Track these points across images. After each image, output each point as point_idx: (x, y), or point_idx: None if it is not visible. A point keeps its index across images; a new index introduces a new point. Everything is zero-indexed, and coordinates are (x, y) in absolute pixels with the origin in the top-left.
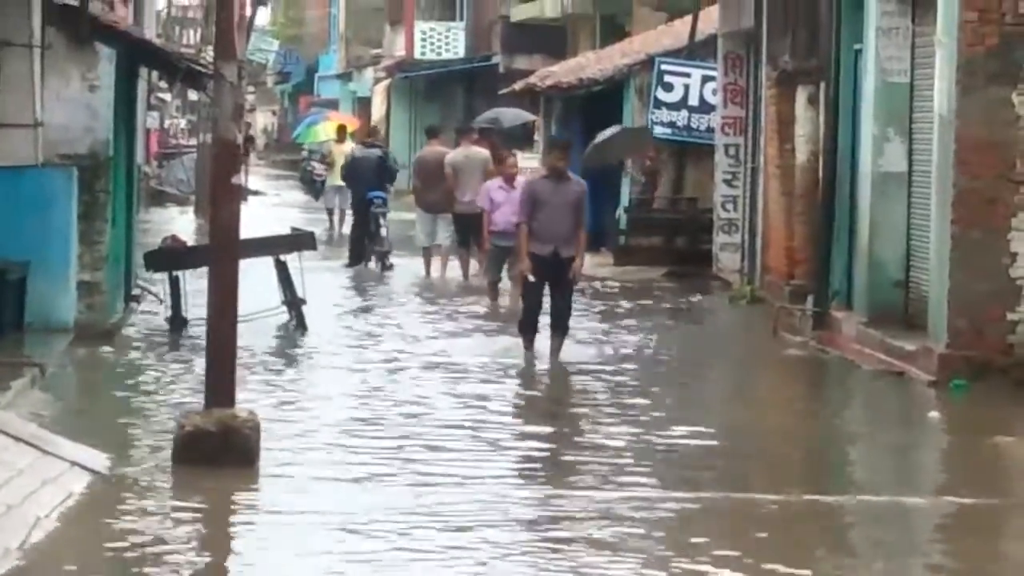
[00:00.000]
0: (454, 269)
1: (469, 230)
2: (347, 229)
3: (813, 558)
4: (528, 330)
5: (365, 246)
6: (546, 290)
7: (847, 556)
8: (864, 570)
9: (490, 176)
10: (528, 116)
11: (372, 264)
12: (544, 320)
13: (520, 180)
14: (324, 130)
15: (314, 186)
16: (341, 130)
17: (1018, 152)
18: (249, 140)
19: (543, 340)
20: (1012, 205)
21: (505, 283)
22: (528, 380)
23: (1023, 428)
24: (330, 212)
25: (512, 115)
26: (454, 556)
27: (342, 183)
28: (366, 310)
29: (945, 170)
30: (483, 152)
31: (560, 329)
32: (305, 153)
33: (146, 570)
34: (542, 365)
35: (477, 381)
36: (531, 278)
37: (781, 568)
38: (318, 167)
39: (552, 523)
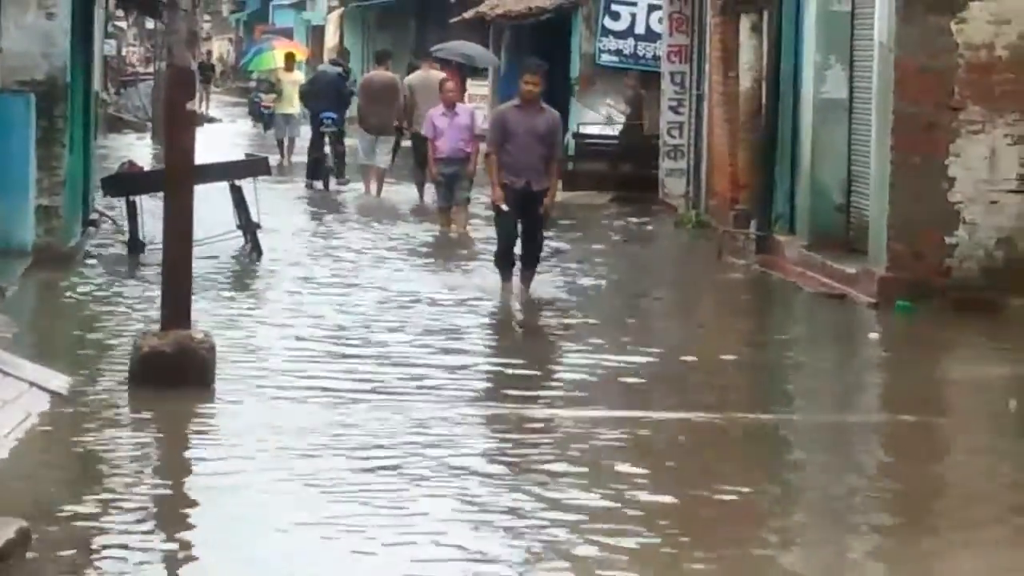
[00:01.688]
0: (400, 192)
1: (426, 153)
2: (296, 157)
3: (754, 477)
4: (505, 264)
5: (318, 165)
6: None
7: (789, 472)
8: (807, 487)
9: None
10: (496, 60)
11: (323, 183)
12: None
13: (465, 106)
14: (273, 58)
15: (263, 117)
16: (289, 58)
17: (956, 79)
18: (210, 68)
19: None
20: (950, 131)
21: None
22: (501, 312)
23: (962, 348)
24: (280, 142)
25: (485, 56)
26: (397, 464)
27: (290, 111)
28: (317, 233)
29: (885, 97)
30: (441, 75)
31: (531, 263)
32: (253, 83)
33: (103, 485)
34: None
35: (427, 301)
36: (504, 207)
37: (725, 487)
38: (265, 98)
39: (501, 440)
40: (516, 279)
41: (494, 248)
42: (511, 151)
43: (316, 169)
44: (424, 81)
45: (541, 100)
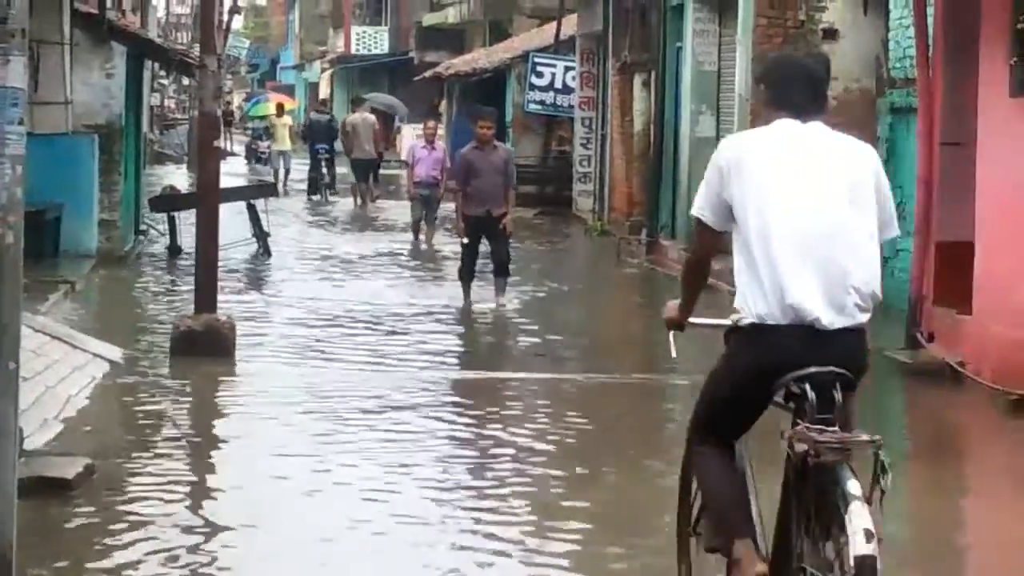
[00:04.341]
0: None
1: (365, 171)
2: (292, 184)
3: (636, 419)
4: (465, 279)
5: (316, 183)
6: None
7: (668, 421)
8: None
9: (377, 136)
10: (404, 110)
11: (320, 196)
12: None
13: (440, 144)
14: (268, 107)
15: (259, 159)
16: (280, 107)
17: None
18: (231, 115)
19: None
20: None
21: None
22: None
23: None
24: (276, 172)
25: (397, 106)
26: (383, 416)
27: (284, 148)
28: (316, 239)
29: None
30: (372, 117)
31: (502, 272)
32: (251, 132)
33: (150, 432)
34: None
35: (408, 280)
36: (465, 240)
37: (623, 431)
38: (262, 145)
39: (439, 402)
40: (472, 290)
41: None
42: (476, 186)
43: (314, 186)
44: (361, 120)
45: (494, 140)
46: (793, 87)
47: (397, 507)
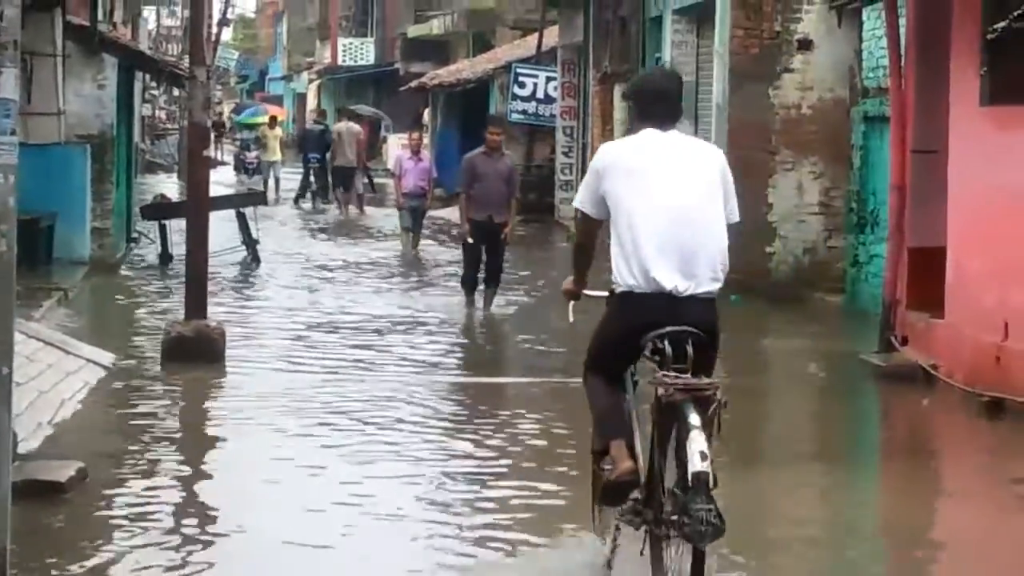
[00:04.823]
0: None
1: (346, 179)
2: (283, 194)
3: None
4: (468, 286)
5: (305, 190)
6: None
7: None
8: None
9: (360, 145)
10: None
11: (312, 204)
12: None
13: (426, 153)
14: (264, 118)
15: (246, 170)
16: (272, 119)
17: (772, 131)
18: (221, 125)
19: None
20: (768, 169)
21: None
22: (466, 328)
23: (777, 330)
24: (266, 182)
25: (379, 115)
26: (354, 411)
27: (274, 159)
28: (305, 247)
29: (721, 144)
30: (357, 127)
31: (493, 282)
32: (239, 142)
33: (143, 435)
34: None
35: (395, 288)
36: (470, 240)
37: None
38: (249, 155)
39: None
40: (478, 297)
41: (461, 273)
42: (479, 190)
43: (304, 192)
44: (345, 129)
45: (502, 147)
46: (654, 103)
47: (383, 507)
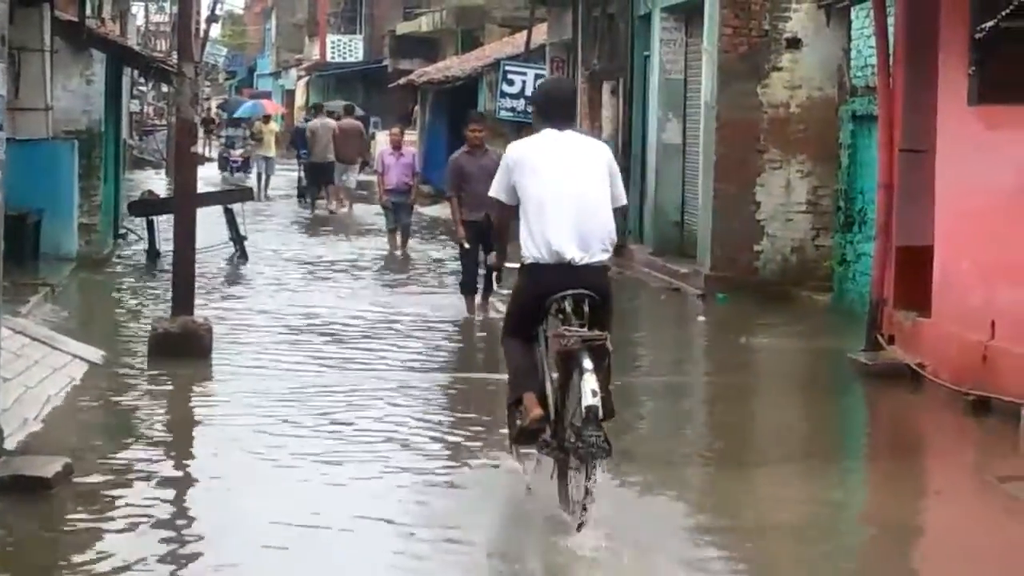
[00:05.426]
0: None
1: (323, 175)
2: (270, 191)
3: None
4: (468, 291)
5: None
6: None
7: (637, 421)
8: (646, 425)
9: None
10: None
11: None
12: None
13: (409, 148)
14: (264, 110)
15: (229, 168)
16: (267, 116)
17: (761, 129)
18: (211, 121)
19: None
20: (757, 167)
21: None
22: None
23: (764, 328)
24: (258, 177)
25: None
26: (336, 409)
27: (269, 154)
28: (293, 243)
29: (709, 142)
30: (333, 123)
31: (491, 286)
32: (224, 140)
33: (128, 430)
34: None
35: (378, 286)
36: (466, 245)
37: None
38: (234, 153)
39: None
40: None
41: (459, 279)
42: (469, 191)
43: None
44: (320, 126)
45: (484, 144)
46: (553, 109)
47: (367, 500)
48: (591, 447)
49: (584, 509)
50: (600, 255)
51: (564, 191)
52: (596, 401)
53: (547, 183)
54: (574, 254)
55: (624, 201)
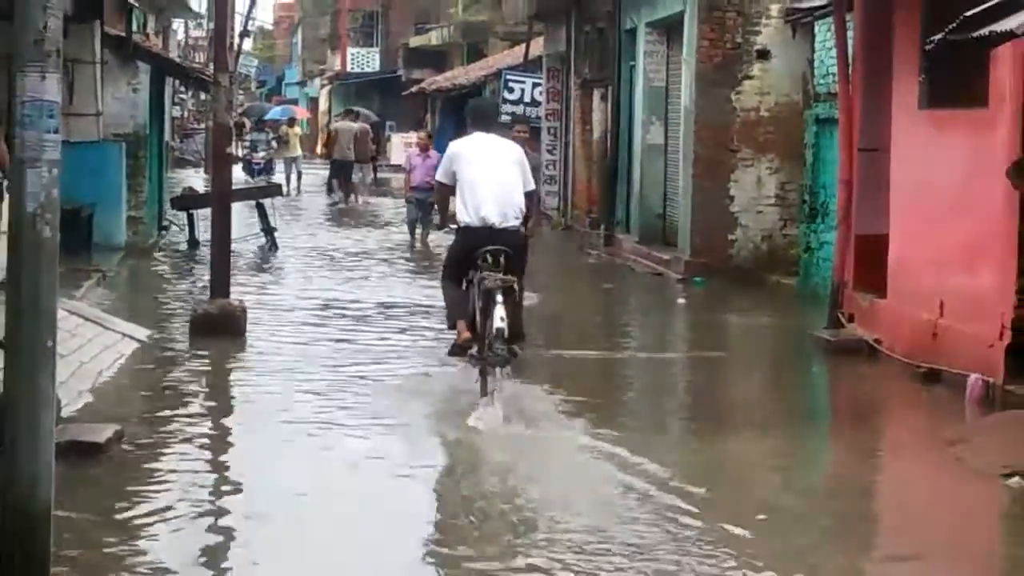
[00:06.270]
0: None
1: (344, 172)
2: (303, 186)
3: (598, 389)
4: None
5: (330, 184)
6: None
7: (625, 391)
8: (633, 397)
9: (366, 141)
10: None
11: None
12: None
13: (434, 152)
14: (295, 115)
15: (252, 171)
16: (292, 120)
17: (734, 131)
18: (242, 125)
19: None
20: (730, 165)
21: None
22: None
23: (738, 308)
24: (288, 177)
25: (371, 115)
26: (364, 376)
27: (295, 155)
28: (320, 235)
29: (688, 143)
30: (355, 125)
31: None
32: (248, 144)
33: (173, 400)
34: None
35: (401, 273)
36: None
37: (583, 398)
38: (256, 156)
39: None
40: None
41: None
42: None
43: (330, 187)
44: (343, 127)
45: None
46: (481, 118)
47: (392, 464)
48: (497, 356)
49: (492, 395)
50: (513, 221)
51: (488, 175)
52: (503, 325)
53: (477, 170)
54: (495, 220)
55: (532, 187)
